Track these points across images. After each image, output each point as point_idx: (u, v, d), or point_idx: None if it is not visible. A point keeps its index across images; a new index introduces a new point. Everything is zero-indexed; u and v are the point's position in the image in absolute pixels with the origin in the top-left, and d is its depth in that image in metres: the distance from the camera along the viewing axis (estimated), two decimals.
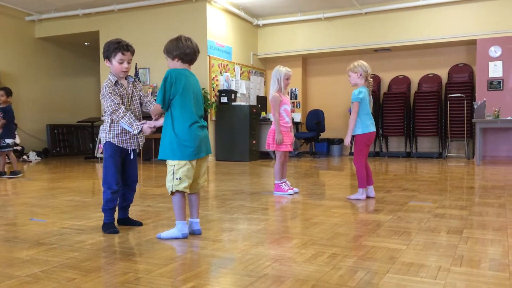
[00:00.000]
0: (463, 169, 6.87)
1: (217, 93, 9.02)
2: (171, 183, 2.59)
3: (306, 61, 10.90)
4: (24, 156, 9.48)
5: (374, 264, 2.12)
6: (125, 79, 2.91)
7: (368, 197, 4.09)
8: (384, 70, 10.06)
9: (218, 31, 9.15)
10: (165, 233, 2.66)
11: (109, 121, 2.82)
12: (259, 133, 9.21)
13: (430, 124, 9.27)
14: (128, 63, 2.85)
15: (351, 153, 10.01)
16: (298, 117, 10.40)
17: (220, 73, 9.20)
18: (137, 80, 3.00)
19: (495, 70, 8.52)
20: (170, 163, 2.60)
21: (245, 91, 10.01)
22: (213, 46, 8.95)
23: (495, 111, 7.55)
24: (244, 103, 9.05)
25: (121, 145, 2.85)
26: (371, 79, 4.13)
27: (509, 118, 7.59)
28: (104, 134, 2.85)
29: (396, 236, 2.65)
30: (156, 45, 9.13)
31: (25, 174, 6.54)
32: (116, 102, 2.76)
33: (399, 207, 3.61)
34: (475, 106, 7.60)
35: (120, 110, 2.75)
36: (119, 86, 2.84)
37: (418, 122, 9.39)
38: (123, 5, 9.30)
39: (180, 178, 2.57)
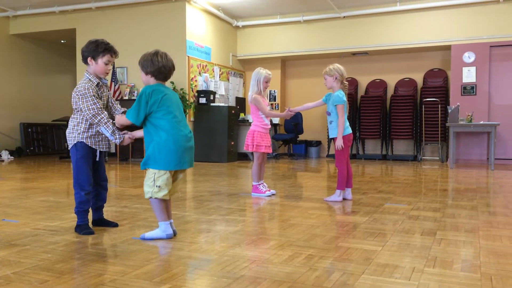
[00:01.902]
0: (437, 172, 7.01)
1: (196, 94, 8.98)
2: (150, 190, 2.58)
3: (285, 63, 10.95)
4: None
5: (349, 265, 2.14)
6: (99, 79, 2.87)
7: (344, 199, 4.14)
8: (362, 73, 10.18)
9: (198, 31, 9.11)
10: (149, 234, 2.64)
11: (84, 121, 2.77)
12: (238, 134, 9.21)
13: (405, 128, 9.43)
14: (111, 65, 2.84)
15: (328, 155, 10.10)
16: (276, 119, 10.44)
17: (199, 73, 9.17)
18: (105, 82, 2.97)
19: (469, 75, 8.72)
20: (151, 170, 2.59)
21: (224, 92, 9.99)
22: (192, 46, 8.91)
23: (468, 115, 7.73)
24: (223, 104, 9.03)
25: (93, 146, 2.81)
26: (347, 83, 4.18)
27: (481, 122, 7.78)
28: (76, 134, 2.78)
29: (372, 238, 2.69)
30: (134, 44, 9.04)
31: None
32: (99, 106, 2.72)
33: (375, 209, 3.66)
34: (449, 111, 7.76)
35: (103, 116, 2.71)
36: (99, 88, 2.81)
37: (394, 125, 9.54)
38: (101, 3, 9.18)
39: (159, 186, 2.57)
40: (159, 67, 2.61)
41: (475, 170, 7.18)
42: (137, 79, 9.03)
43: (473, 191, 4.79)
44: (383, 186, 5.20)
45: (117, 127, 2.77)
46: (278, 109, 10.76)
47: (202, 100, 8.89)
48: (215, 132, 8.72)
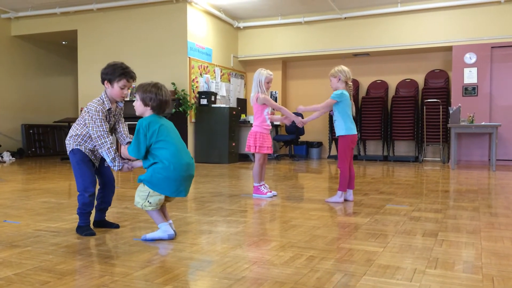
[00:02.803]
0: (438, 173, 7.00)
1: (197, 95, 8.99)
2: (141, 202, 2.61)
3: (286, 64, 10.95)
4: None
5: (351, 266, 2.14)
6: (115, 102, 2.88)
7: (346, 200, 4.13)
8: (363, 74, 10.18)
9: (199, 32, 9.12)
10: (150, 235, 2.65)
11: (84, 135, 2.78)
12: (239, 135, 9.21)
13: (407, 129, 9.42)
14: (128, 89, 2.84)
15: (329, 156, 10.10)
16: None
17: (200, 74, 9.17)
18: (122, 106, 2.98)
19: (470, 76, 8.71)
20: (147, 187, 2.60)
21: (225, 93, 10.00)
22: (193, 47, 8.91)
23: (470, 116, 7.72)
24: (224, 105, 9.04)
25: (91, 157, 2.85)
26: (351, 84, 4.18)
27: (483, 123, 7.78)
28: (72, 142, 2.80)
29: (373, 239, 2.68)
30: (135, 45, 9.05)
31: None
32: (106, 130, 2.73)
33: (376, 210, 3.66)
34: (451, 112, 7.76)
35: (107, 140, 2.72)
36: (109, 112, 2.82)
37: (395, 126, 9.53)
38: (102, 4, 9.19)
39: (151, 203, 2.60)
40: (161, 101, 2.62)
41: (476, 171, 7.17)
42: (138, 80, 9.01)
43: (474, 192, 4.79)
44: (385, 187, 5.20)
45: (119, 154, 2.78)
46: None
47: (203, 101, 8.89)
48: (216, 133, 8.72)
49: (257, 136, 4.44)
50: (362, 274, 2.02)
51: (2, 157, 9.29)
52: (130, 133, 2.97)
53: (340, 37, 9.73)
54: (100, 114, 2.73)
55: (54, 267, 2.11)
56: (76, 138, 2.79)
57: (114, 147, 2.75)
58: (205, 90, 9.20)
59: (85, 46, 9.62)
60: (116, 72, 2.77)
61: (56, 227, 3.00)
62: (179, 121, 8.44)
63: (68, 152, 2.83)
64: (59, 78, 11.49)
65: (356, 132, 4.11)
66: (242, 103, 10.46)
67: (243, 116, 9.75)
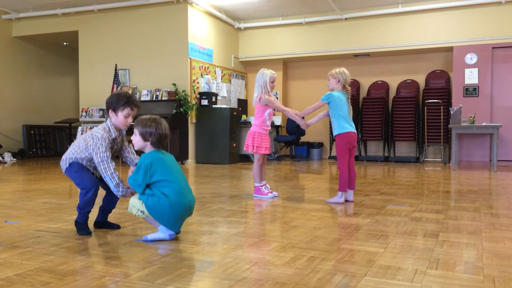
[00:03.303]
0: (439, 173, 7.00)
1: (198, 96, 8.99)
2: (136, 209, 2.64)
3: (287, 64, 10.96)
4: None
5: (352, 267, 2.14)
6: (119, 130, 2.91)
7: (346, 200, 4.13)
8: (364, 75, 10.18)
9: (199, 33, 9.13)
10: (151, 235, 2.65)
11: (84, 158, 2.80)
12: (239, 136, 9.21)
13: (407, 129, 9.42)
14: (132, 117, 2.86)
15: (330, 157, 10.09)
16: (278, 120, 10.44)
17: (201, 75, 9.18)
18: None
19: (471, 77, 8.71)
20: (143, 205, 2.62)
21: (226, 94, 10.00)
22: (194, 48, 8.92)
23: (471, 117, 7.72)
24: (224, 106, 9.04)
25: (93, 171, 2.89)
26: (350, 87, 4.18)
27: (484, 124, 7.77)
28: (68, 161, 2.81)
29: (374, 240, 2.68)
30: (136, 46, 9.06)
31: (0, 176, 6.39)
32: (109, 156, 2.75)
33: (377, 211, 3.66)
34: (451, 112, 7.75)
35: (111, 166, 2.73)
36: (114, 140, 2.84)
37: (396, 127, 9.53)
38: (103, 5, 9.20)
39: (143, 213, 2.63)
40: (161, 136, 2.64)
41: (477, 172, 7.17)
42: (139, 81, 9.05)
43: (475, 193, 4.78)
44: (385, 188, 5.20)
45: (121, 180, 2.79)
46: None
47: (204, 102, 8.90)
48: (217, 134, 8.72)
49: (256, 136, 4.45)
50: (363, 275, 2.02)
51: (3, 157, 9.30)
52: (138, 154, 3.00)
53: (341, 37, 9.73)
54: (107, 141, 2.75)
55: (55, 268, 2.11)
56: (76, 158, 2.81)
57: (117, 173, 2.77)
58: (206, 90, 9.21)
59: (86, 46, 9.63)
60: (120, 101, 2.80)
61: (57, 227, 3.01)
62: (180, 122, 8.44)
63: (64, 171, 2.83)
64: (60, 79, 11.50)
65: (351, 130, 4.06)
66: (243, 104, 10.46)
67: (244, 117, 9.75)
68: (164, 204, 2.56)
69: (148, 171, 2.56)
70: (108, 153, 2.74)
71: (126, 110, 2.80)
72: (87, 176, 2.78)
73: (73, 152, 2.82)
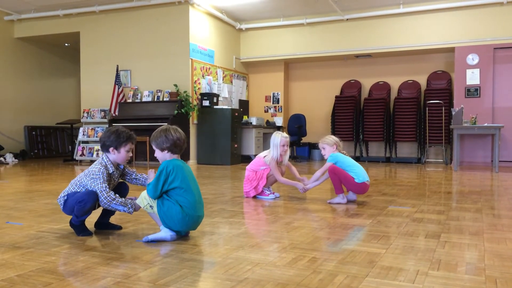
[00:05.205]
0: (441, 174, 6.99)
1: (199, 96, 9.00)
2: (145, 203, 2.66)
3: (288, 65, 10.96)
4: (1, 158, 9.29)
5: (353, 268, 2.14)
6: (117, 165, 2.92)
7: (349, 200, 4.14)
8: (365, 76, 10.18)
9: (201, 34, 9.14)
10: (153, 236, 2.65)
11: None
12: (241, 136, 9.22)
13: (409, 130, 9.41)
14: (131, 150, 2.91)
15: None
16: (280, 121, 10.45)
17: (203, 76, 9.18)
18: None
19: (473, 77, 8.70)
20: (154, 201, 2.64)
21: (227, 95, 10.01)
22: (196, 49, 8.93)
23: (472, 117, 7.71)
24: (226, 107, 9.05)
25: None
26: (341, 146, 4.34)
27: (485, 124, 7.76)
28: (71, 191, 2.82)
29: (376, 240, 2.68)
30: (137, 47, 9.07)
31: (2, 177, 6.40)
32: (106, 188, 2.74)
33: (379, 212, 3.65)
34: (453, 113, 7.74)
35: (110, 194, 2.73)
36: (111, 176, 2.86)
37: (397, 127, 9.52)
38: (105, 6, 9.22)
39: (152, 208, 2.67)
40: (174, 140, 2.67)
41: (479, 173, 7.15)
42: (141, 82, 9.06)
43: (477, 193, 4.78)
44: (387, 188, 5.19)
45: (123, 198, 2.80)
46: (281, 111, 10.77)
47: (206, 103, 8.90)
48: (219, 135, 8.73)
49: (250, 176, 4.42)
50: (365, 276, 2.02)
51: (5, 158, 9.31)
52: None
53: (342, 38, 9.73)
54: (105, 175, 2.77)
55: (56, 269, 2.11)
56: (69, 193, 2.81)
57: (117, 196, 2.77)
58: (207, 91, 9.22)
59: (87, 47, 9.64)
60: (122, 138, 2.81)
61: (58, 228, 3.01)
62: (181, 123, 8.44)
63: (62, 208, 2.83)
64: (61, 80, 11.53)
65: (367, 179, 4.09)
66: (244, 105, 10.47)
67: (245, 118, 9.76)
68: (177, 212, 2.58)
69: (168, 177, 2.60)
70: (106, 184, 2.74)
71: (129, 145, 2.85)
72: (84, 192, 2.78)
73: (73, 189, 2.84)
